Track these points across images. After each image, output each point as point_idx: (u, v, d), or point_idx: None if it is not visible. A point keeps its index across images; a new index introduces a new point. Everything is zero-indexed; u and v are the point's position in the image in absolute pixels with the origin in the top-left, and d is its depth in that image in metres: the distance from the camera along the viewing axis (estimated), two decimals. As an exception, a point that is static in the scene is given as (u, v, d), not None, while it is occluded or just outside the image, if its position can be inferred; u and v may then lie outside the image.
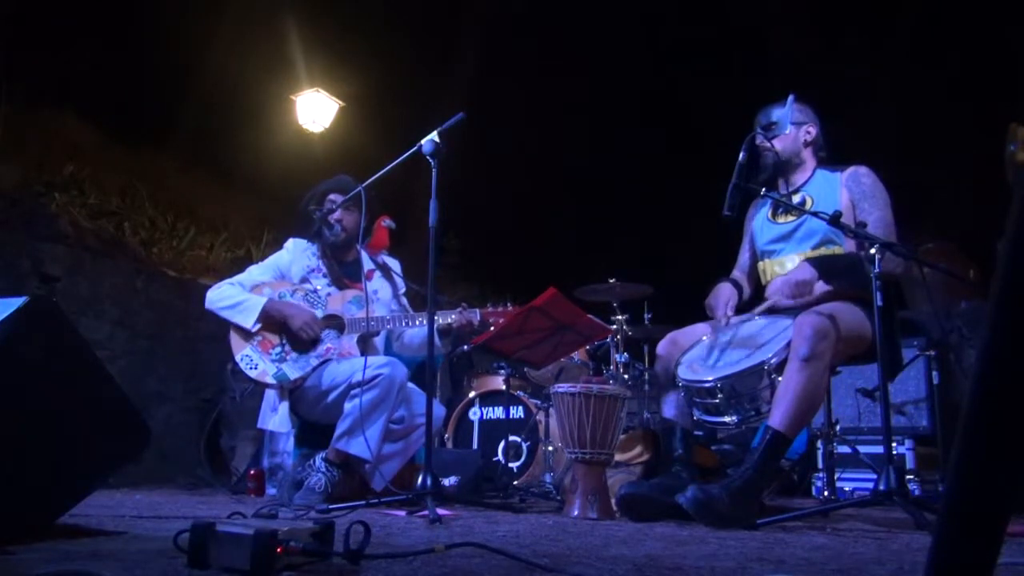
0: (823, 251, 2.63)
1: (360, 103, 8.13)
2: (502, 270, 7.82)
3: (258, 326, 2.94)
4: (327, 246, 3.21)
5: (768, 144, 2.76)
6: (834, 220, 2.43)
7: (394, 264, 3.40)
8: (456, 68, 8.59)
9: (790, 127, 2.76)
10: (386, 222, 3.42)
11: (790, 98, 2.78)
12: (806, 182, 2.77)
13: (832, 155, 2.85)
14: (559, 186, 9.40)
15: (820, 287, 2.53)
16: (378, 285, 3.25)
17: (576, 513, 2.49)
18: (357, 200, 3.03)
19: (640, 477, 2.93)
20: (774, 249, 2.78)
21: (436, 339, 2.85)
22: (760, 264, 2.85)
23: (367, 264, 3.23)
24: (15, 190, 4.23)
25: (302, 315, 2.97)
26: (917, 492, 3.81)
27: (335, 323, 3.05)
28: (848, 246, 2.60)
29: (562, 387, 2.64)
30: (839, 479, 3.97)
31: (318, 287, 3.11)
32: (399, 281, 3.32)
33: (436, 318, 2.74)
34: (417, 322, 3.03)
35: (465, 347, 4.33)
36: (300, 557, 1.22)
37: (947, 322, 4.16)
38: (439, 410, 3.16)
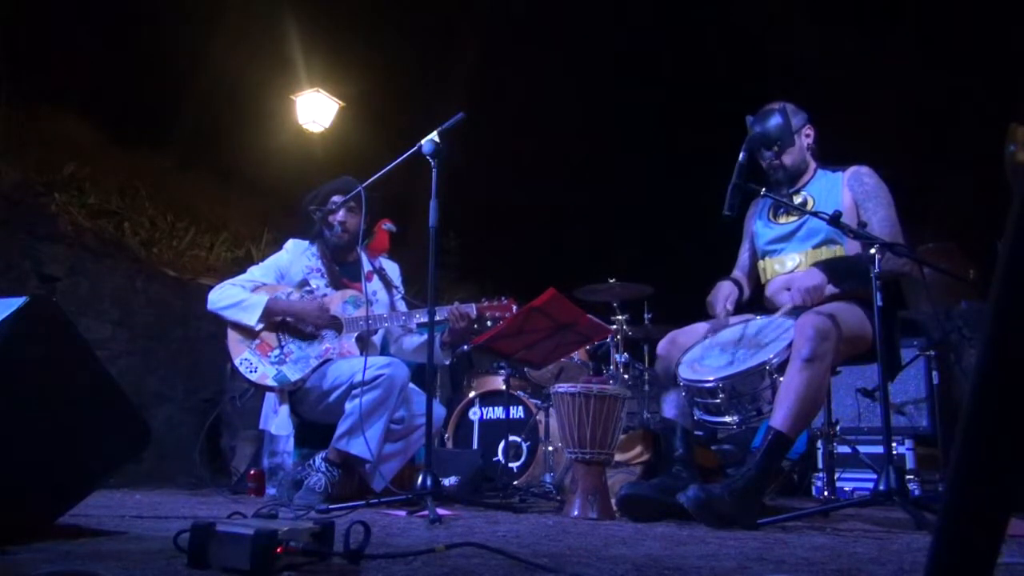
0: (824, 251, 2.63)
1: (360, 103, 8.13)
2: (502, 270, 7.82)
3: (261, 325, 2.94)
4: (327, 247, 3.21)
5: (777, 162, 2.75)
6: (834, 220, 2.43)
7: (393, 268, 3.39)
8: (456, 68, 8.59)
9: (795, 138, 2.75)
10: (387, 225, 3.42)
11: (786, 108, 2.76)
12: (807, 182, 2.78)
13: (828, 152, 2.84)
14: (559, 186, 9.40)
15: (829, 290, 2.52)
16: (376, 287, 3.24)
17: (576, 513, 2.49)
18: (359, 201, 3.03)
19: (640, 477, 2.93)
20: (775, 249, 2.78)
21: (437, 349, 2.84)
22: (760, 263, 2.85)
23: (366, 266, 3.23)
24: (15, 190, 4.23)
25: (307, 306, 2.97)
26: (917, 492, 3.81)
27: (333, 323, 3.04)
28: (849, 245, 2.60)
29: (562, 387, 2.64)
30: (839, 479, 3.96)
31: (315, 287, 3.11)
32: (396, 289, 3.31)
33: (434, 317, 2.73)
34: (416, 316, 3.02)
35: (465, 347, 4.33)
36: (300, 557, 1.22)
37: (947, 322, 4.16)
38: (439, 410, 3.16)
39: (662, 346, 2.76)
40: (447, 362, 3.32)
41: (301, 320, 2.99)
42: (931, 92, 7.21)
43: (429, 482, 2.40)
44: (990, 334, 0.57)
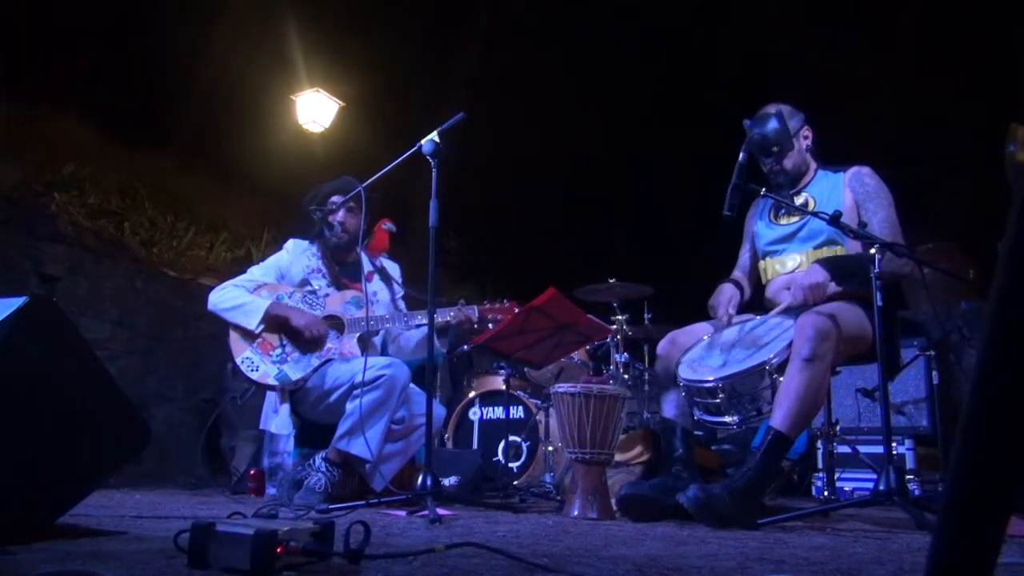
0: (825, 251, 2.63)
1: (360, 103, 8.13)
2: (502, 270, 7.82)
3: (261, 328, 2.94)
4: (327, 247, 3.21)
5: (778, 167, 2.75)
6: (834, 220, 2.43)
7: (393, 268, 3.39)
8: (456, 68, 8.59)
9: (794, 141, 2.75)
10: (387, 225, 3.42)
11: (782, 112, 2.75)
12: (808, 183, 2.78)
13: (828, 152, 2.84)
14: (559, 186, 9.40)
15: (831, 289, 2.52)
16: (377, 287, 3.25)
17: (576, 513, 2.49)
18: (359, 201, 3.03)
19: (640, 477, 2.93)
20: (776, 249, 2.78)
21: (435, 340, 2.83)
22: (761, 263, 2.86)
23: (367, 266, 3.23)
24: (15, 190, 4.23)
25: (305, 317, 2.97)
26: (917, 492, 3.81)
27: (334, 323, 3.05)
28: (851, 246, 2.60)
29: (562, 387, 2.64)
30: (839, 479, 3.96)
31: (317, 288, 3.11)
32: (397, 285, 3.32)
33: (435, 317, 2.73)
34: (417, 318, 3.02)
35: (465, 347, 4.33)
36: (300, 557, 1.22)
37: (947, 322, 4.16)
38: (439, 410, 3.16)
39: (662, 346, 2.76)
40: (444, 350, 3.33)
41: (299, 325, 2.97)
42: (931, 92, 7.21)
43: (429, 482, 2.40)
44: (990, 334, 0.57)
